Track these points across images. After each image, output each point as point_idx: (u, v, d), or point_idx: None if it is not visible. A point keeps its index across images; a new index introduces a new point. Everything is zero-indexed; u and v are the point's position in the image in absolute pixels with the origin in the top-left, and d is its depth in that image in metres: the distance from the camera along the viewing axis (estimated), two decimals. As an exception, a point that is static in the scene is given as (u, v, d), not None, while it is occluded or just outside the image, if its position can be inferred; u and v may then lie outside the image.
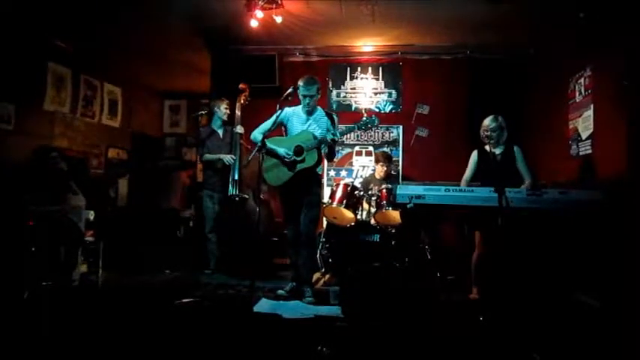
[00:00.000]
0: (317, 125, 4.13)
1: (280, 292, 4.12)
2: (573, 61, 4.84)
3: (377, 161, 5.63)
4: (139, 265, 5.32)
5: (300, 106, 4.17)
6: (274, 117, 4.01)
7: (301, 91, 4.05)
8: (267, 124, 4.13)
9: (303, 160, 4.00)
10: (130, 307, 3.80)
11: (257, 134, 4.14)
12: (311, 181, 4.16)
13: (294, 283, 4.19)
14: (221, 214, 5.07)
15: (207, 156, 5.17)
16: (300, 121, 4.15)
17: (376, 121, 4.05)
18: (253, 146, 4.08)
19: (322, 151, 4.10)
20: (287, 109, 4.14)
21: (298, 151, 4.00)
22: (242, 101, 5.26)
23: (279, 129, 4.27)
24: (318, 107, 4.23)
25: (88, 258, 4.99)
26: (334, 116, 4.24)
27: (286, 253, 4.41)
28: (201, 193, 5.28)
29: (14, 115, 5.51)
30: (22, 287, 3.94)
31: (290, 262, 4.34)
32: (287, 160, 4.02)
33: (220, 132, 5.29)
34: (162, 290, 4.50)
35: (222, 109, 5.29)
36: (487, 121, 4.14)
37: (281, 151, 4.04)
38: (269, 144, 4.02)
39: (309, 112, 4.14)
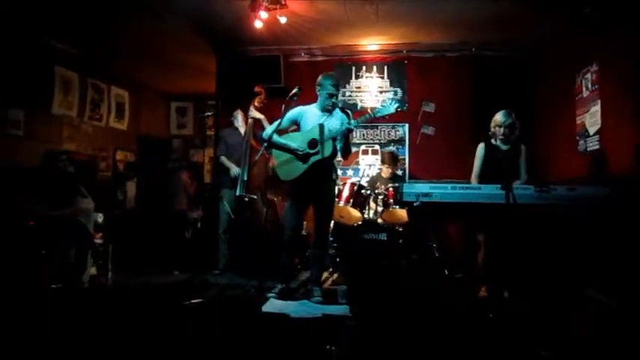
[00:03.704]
0: (332, 120, 4.01)
1: (270, 294, 3.96)
2: (579, 56, 4.81)
3: (383, 161, 5.63)
4: (148, 267, 5.36)
5: (315, 104, 4.07)
6: (286, 115, 3.96)
7: (330, 90, 3.93)
8: (278, 122, 4.04)
9: (317, 153, 3.89)
10: (139, 308, 3.82)
11: (269, 131, 4.05)
12: (324, 177, 4.04)
13: (284, 285, 4.10)
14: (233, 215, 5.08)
15: (223, 159, 5.19)
16: (314, 117, 4.02)
17: (392, 110, 3.88)
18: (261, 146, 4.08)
19: (337, 145, 3.97)
20: (300, 107, 4.07)
21: (312, 144, 3.90)
22: (256, 104, 5.23)
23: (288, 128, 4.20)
24: None
25: (98, 260, 5.04)
26: (349, 111, 4.12)
27: (281, 254, 4.23)
28: (219, 194, 5.28)
29: (24, 119, 5.57)
30: (33, 290, 3.98)
31: (282, 262, 4.21)
32: (300, 154, 3.93)
33: (242, 130, 5.27)
34: (171, 291, 4.52)
35: (240, 119, 5.32)
36: (501, 117, 3.99)
37: (293, 145, 3.94)
38: (280, 140, 3.97)
39: (329, 111, 4.02)
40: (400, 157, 6.01)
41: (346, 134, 3.92)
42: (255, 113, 5.09)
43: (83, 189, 4.88)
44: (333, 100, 3.99)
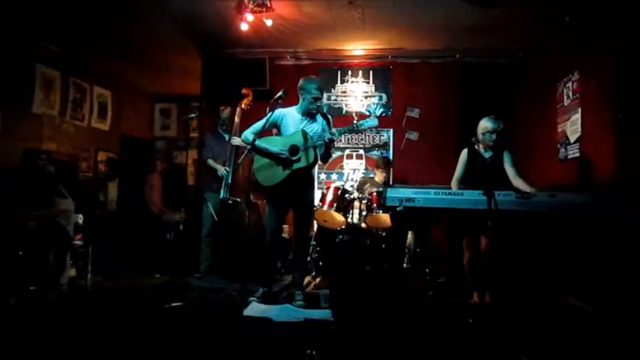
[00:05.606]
0: (313, 125, 4.01)
1: (251, 298, 3.92)
2: (562, 64, 4.88)
3: (377, 167, 5.63)
4: (128, 269, 5.29)
5: (295, 107, 4.04)
6: (267, 117, 3.90)
7: (313, 94, 3.90)
8: (259, 125, 3.99)
9: (298, 160, 3.86)
10: (119, 311, 3.77)
11: (248, 134, 4.01)
12: (305, 183, 4.06)
13: (265, 288, 4.06)
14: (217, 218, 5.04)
15: (210, 162, 5.14)
16: (294, 121, 4.00)
17: (376, 122, 3.91)
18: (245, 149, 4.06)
19: (318, 152, 3.96)
20: (280, 110, 4.02)
21: (293, 150, 3.86)
22: (243, 106, 5.20)
23: (272, 130, 4.17)
24: None
25: (77, 262, 4.96)
26: (329, 117, 4.12)
27: (261, 257, 4.20)
28: (203, 197, 5.22)
29: (1, 117, 5.47)
30: (10, 292, 3.91)
31: (263, 266, 4.17)
32: (282, 158, 3.88)
33: (226, 135, 5.24)
34: (151, 294, 4.47)
35: (222, 116, 5.27)
36: (490, 124, 3.97)
37: (275, 149, 3.90)
38: (261, 143, 3.94)
39: (311, 115, 4.01)
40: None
41: (328, 143, 3.88)
42: (236, 141, 4.99)
43: (63, 189, 4.82)
44: (318, 103, 3.98)
